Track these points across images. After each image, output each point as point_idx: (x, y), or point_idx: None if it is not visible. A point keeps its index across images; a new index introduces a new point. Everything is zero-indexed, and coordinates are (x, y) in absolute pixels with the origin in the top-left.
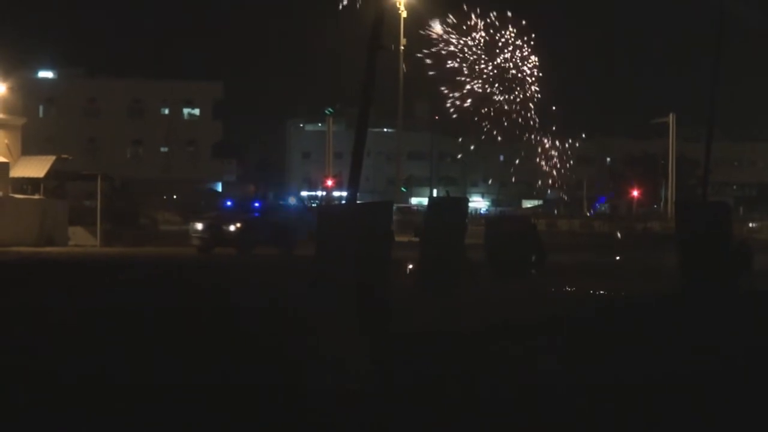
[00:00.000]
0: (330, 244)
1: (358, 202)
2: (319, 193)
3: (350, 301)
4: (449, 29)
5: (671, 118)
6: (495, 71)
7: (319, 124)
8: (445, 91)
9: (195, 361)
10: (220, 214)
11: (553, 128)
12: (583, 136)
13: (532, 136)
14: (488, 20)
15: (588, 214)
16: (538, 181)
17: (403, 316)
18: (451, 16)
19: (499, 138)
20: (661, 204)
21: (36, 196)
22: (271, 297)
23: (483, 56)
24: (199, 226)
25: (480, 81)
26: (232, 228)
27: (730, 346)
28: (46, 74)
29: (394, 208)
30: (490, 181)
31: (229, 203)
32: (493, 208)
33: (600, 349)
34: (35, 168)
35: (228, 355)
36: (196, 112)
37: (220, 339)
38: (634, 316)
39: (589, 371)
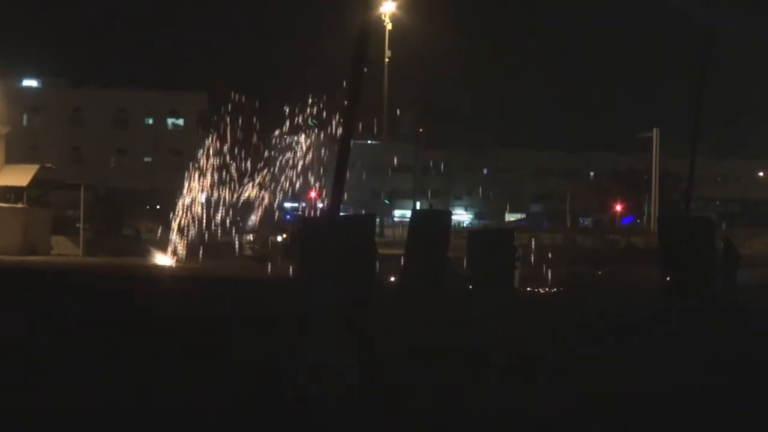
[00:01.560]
0: (313, 257)
1: (341, 214)
2: (302, 205)
3: (335, 313)
4: None
5: (655, 133)
6: None
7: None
8: None
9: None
10: (277, 225)
11: None
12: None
13: None
14: None
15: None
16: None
17: (385, 328)
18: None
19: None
20: (644, 219)
21: (19, 205)
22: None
23: None
24: (250, 236)
25: None
26: (279, 238)
27: (708, 360)
28: (30, 83)
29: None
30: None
31: (288, 216)
32: (476, 221)
33: (579, 364)
34: (19, 177)
35: (217, 365)
36: (181, 122)
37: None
38: (614, 331)
39: (571, 386)
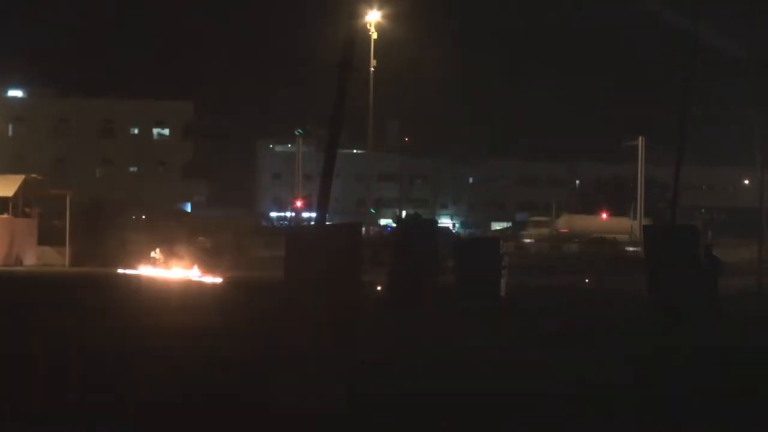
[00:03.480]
0: (300, 266)
1: (327, 223)
2: (288, 214)
3: (320, 323)
4: None
5: (640, 142)
6: None
7: (289, 145)
8: None
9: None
10: None
11: None
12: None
13: None
14: None
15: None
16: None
17: (371, 340)
18: None
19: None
20: (630, 227)
21: (4, 216)
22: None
23: None
24: None
25: None
26: None
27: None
28: (16, 93)
29: None
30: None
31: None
32: (461, 230)
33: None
34: (4, 187)
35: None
36: (166, 132)
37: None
38: (600, 340)
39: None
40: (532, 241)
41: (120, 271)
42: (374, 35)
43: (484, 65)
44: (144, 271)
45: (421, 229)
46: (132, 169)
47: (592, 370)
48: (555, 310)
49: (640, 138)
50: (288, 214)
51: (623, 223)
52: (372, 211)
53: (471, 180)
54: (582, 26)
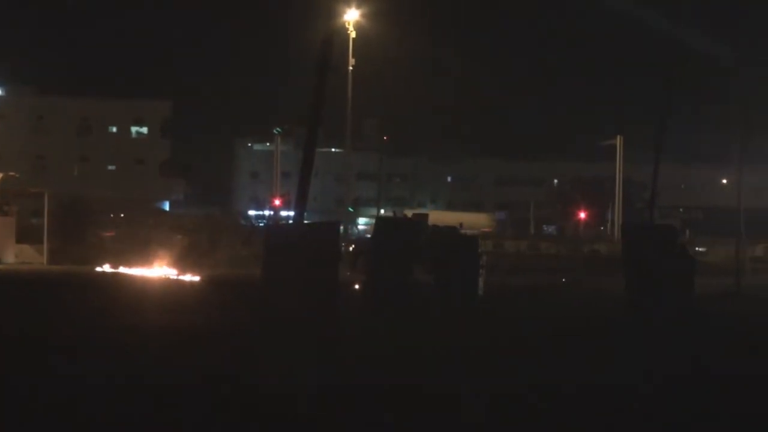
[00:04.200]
0: (277, 264)
1: (305, 222)
2: (267, 213)
3: (297, 320)
4: None
5: (618, 141)
6: None
7: (268, 144)
8: None
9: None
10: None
11: None
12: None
13: None
14: None
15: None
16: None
17: (347, 337)
18: None
19: None
20: (608, 226)
21: None
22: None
23: None
24: None
25: None
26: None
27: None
28: None
29: None
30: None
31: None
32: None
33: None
34: None
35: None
36: (145, 130)
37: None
38: (579, 339)
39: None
40: None
41: (98, 269)
42: (353, 34)
43: (463, 64)
44: (122, 269)
45: (400, 227)
46: (110, 167)
47: (571, 369)
48: (533, 309)
49: (618, 137)
50: (266, 212)
51: (477, 218)
52: (350, 209)
53: (449, 179)
54: (563, 26)
